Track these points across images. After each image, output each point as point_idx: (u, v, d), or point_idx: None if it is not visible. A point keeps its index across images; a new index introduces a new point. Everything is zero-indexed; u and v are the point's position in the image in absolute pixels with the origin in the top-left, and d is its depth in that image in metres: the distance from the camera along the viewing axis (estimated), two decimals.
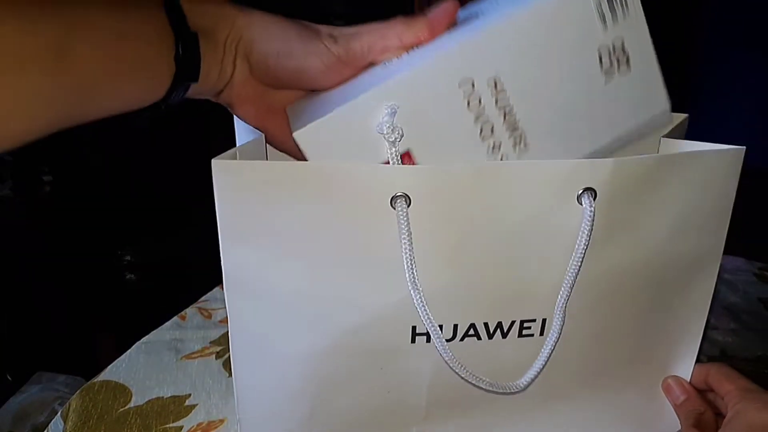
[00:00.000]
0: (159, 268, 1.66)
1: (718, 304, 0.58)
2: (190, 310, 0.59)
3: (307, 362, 0.34)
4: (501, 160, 0.33)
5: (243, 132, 0.39)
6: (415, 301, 0.30)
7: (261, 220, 0.30)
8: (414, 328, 0.33)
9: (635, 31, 0.31)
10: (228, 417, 0.44)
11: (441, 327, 0.32)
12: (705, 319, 0.35)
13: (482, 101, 0.31)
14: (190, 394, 0.46)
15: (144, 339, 0.54)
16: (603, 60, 0.31)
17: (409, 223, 0.29)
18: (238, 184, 0.29)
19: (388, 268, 0.31)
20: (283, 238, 0.30)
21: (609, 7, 0.30)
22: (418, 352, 0.34)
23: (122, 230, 1.67)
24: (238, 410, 0.36)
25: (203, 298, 0.62)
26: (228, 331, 0.55)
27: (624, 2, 0.30)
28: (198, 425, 0.43)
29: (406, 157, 0.32)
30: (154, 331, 0.55)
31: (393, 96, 0.32)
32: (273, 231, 0.30)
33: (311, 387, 0.35)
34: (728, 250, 0.68)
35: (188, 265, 1.59)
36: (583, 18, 0.30)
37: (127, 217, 1.67)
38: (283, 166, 0.29)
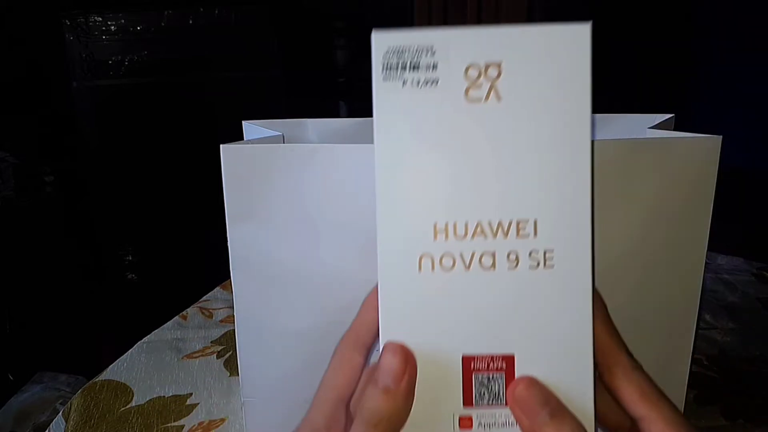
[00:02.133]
0: (160, 268, 1.67)
1: (717, 304, 0.59)
2: (191, 310, 0.59)
3: (307, 340, 0.35)
4: None
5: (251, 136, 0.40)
6: None
7: (263, 199, 0.32)
8: None
9: None
10: (229, 416, 0.44)
11: None
12: (696, 316, 0.34)
13: None
14: (191, 394, 0.46)
15: (145, 338, 0.54)
16: None
17: None
18: (242, 165, 0.31)
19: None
20: (284, 215, 0.32)
21: None
22: None
23: (123, 230, 1.68)
24: (242, 393, 0.37)
25: (204, 297, 0.62)
26: (229, 331, 0.55)
27: None
28: (199, 424, 0.43)
29: None
30: (156, 331, 0.56)
31: None
32: (274, 209, 0.32)
33: (311, 368, 0.36)
34: (728, 250, 0.69)
35: (189, 265, 1.60)
36: None
37: (128, 218, 1.68)
38: (283, 147, 0.32)
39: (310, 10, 1.72)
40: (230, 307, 0.59)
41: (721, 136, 0.31)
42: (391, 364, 0.23)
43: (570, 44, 0.23)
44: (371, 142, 0.34)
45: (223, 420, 0.44)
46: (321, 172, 0.32)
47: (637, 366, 0.24)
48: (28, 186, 1.29)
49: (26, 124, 1.39)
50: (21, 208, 1.28)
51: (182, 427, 0.43)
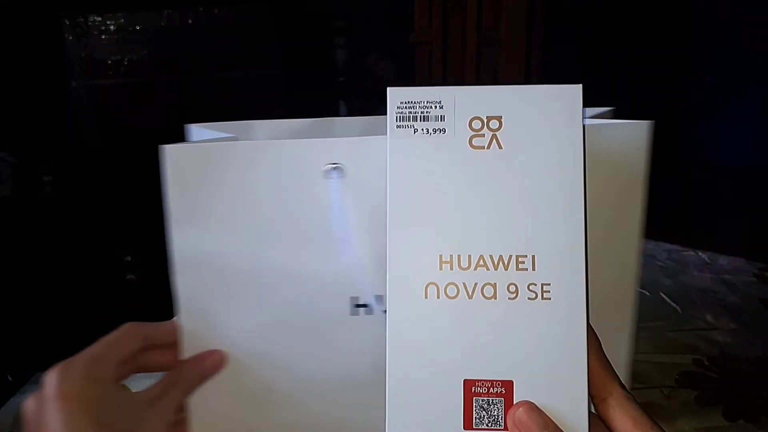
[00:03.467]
0: (160, 268, 1.66)
1: (718, 304, 0.58)
2: None
3: (254, 339, 0.35)
4: None
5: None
6: (352, 270, 0.32)
7: (207, 199, 0.32)
8: (354, 299, 0.34)
9: None
10: None
11: (381, 298, 0.33)
12: (635, 308, 0.33)
13: None
14: None
15: None
16: None
17: (342, 194, 0.31)
18: (186, 166, 0.31)
19: (326, 239, 0.32)
20: (228, 215, 0.32)
21: None
22: (359, 326, 0.34)
23: (122, 230, 1.67)
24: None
25: None
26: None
27: None
28: None
29: None
30: None
31: None
32: (218, 209, 0.32)
33: (258, 367, 0.35)
34: (729, 251, 0.69)
35: None
36: None
37: (128, 218, 1.67)
38: (227, 145, 0.32)
39: (310, 10, 1.72)
40: None
41: (649, 122, 0.30)
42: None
43: (564, 102, 0.26)
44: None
45: None
46: (264, 169, 0.32)
47: (630, 397, 0.26)
48: (26, 186, 1.29)
49: (25, 123, 1.39)
50: (19, 207, 1.27)
51: None
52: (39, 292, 1.28)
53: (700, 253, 0.67)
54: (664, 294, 0.60)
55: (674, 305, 0.58)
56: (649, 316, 0.57)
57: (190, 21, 1.58)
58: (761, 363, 0.50)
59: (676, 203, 2.24)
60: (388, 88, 0.27)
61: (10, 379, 1.06)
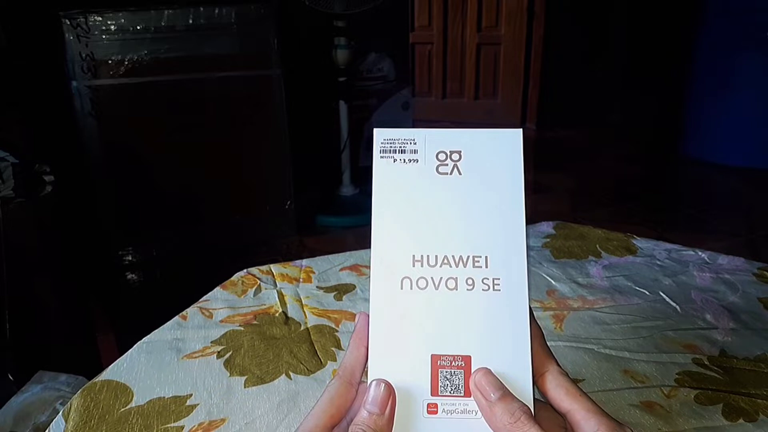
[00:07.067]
0: (160, 268, 1.67)
1: (717, 304, 0.59)
2: (191, 310, 0.59)
3: None
4: None
5: None
6: None
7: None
8: None
9: None
10: (229, 417, 0.44)
11: None
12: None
13: None
14: (191, 394, 0.46)
15: (145, 339, 0.54)
16: None
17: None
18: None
19: None
20: None
21: None
22: None
23: (122, 230, 1.68)
24: None
25: (204, 297, 0.62)
26: (228, 331, 0.55)
27: None
28: (199, 425, 0.43)
29: None
30: (156, 331, 0.55)
31: None
32: None
33: None
34: (729, 250, 0.69)
35: (189, 265, 1.60)
36: None
37: (128, 218, 1.68)
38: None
39: (311, 10, 1.72)
40: (230, 308, 0.59)
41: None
42: (376, 394, 0.29)
43: (509, 141, 0.33)
44: None
45: (223, 420, 0.44)
46: None
47: (564, 372, 0.30)
48: (27, 186, 1.29)
49: (26, 123, 1.39)
50: (20, 207, 1.27)
51: (182, 427, 0.43)
52: (39, 292, 1.28)
53: (700, 253, 0.68)
54: (664, 293, 0.60)
55: (674, 305, 0.58)
56: (649, 316, 0.57)
57: (190, 20, 1.58)
58: (761, 362, 0.50)
59: (676, 202, 2.25)
60: (374, 129, 0.33)
61: (11, 378, 1.06)
